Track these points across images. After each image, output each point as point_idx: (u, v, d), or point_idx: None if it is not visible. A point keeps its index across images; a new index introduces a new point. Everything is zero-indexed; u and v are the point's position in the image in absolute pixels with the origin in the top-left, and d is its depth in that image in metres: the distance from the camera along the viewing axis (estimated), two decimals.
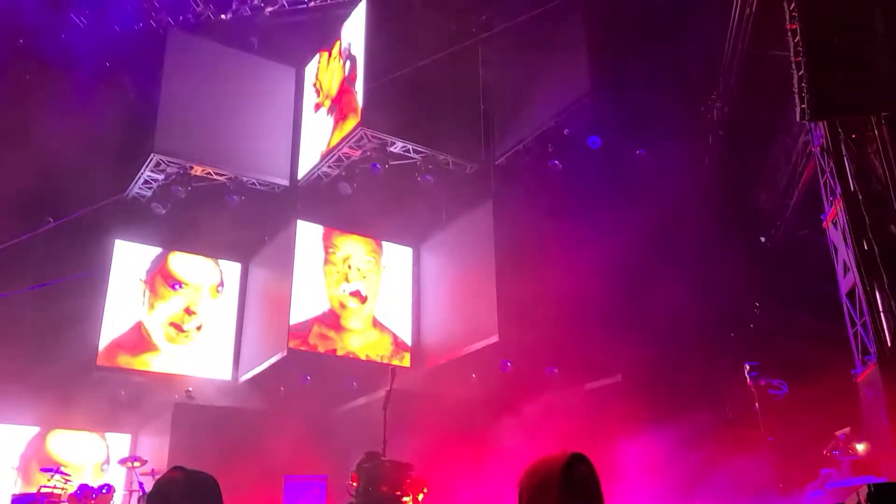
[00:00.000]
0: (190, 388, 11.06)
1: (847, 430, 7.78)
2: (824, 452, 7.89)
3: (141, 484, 9.16)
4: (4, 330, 10.67)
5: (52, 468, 8.91)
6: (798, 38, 7.21)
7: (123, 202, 13.29)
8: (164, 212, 13.10)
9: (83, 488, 8.76)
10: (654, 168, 11.69)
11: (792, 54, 7.44)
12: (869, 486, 3.29)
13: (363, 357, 13.13)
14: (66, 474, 8.88)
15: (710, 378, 9.47)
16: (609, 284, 10.97)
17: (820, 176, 9.02)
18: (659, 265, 10.27)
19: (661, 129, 12.17)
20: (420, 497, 4.72)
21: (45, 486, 8.69)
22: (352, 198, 13.16)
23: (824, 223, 8.87)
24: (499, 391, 12.25)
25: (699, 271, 10.56)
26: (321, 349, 12.73)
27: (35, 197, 11.70)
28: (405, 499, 4.64)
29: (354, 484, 4.62)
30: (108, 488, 8.88)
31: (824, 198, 8.92)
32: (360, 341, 13.24)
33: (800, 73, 7.31)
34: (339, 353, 12.94)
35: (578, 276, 11.06)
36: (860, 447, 7.62)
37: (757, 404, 7.77)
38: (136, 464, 9.44)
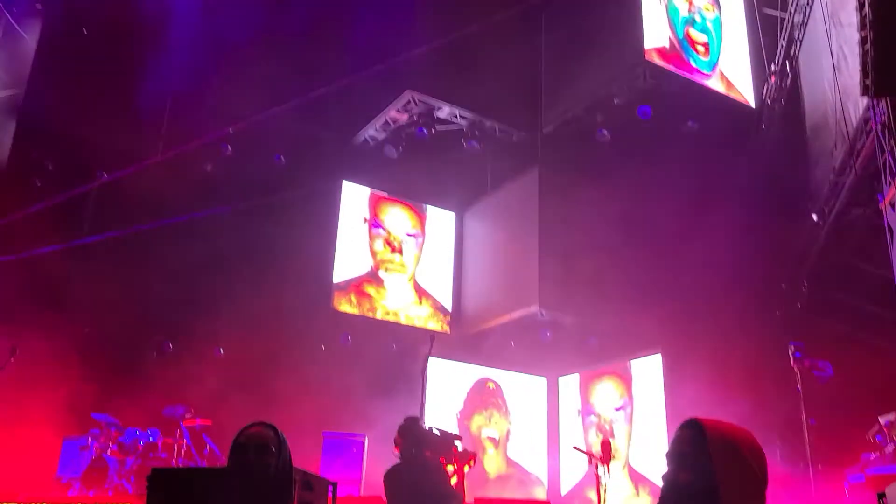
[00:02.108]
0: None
1: (892, 416, 7.65)
2: (867, 437, 7.78)
3: (185, 432, 9.43)
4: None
5: (103, 414, 9.22)
6: (866, 10, 6.91)
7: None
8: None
9: (131, 434, 9.09)
10: (704, 141, 11.47)
11: (858, 27, 7.16)
12: None
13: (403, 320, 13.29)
14: (115, 420, 9.19)
15: (754, 356, 9.35)
16: (653, 258, 10.88)
17: (879, 155, 8.72)
18: (706, 240, 10.11)
19: (711, 101, 11.93)
20: (466, 469, 4.76)
21: (94, 431, 9.03)
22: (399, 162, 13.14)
23: (881, 203, 8.60)
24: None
25: (748, 246, 10.37)
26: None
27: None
28: (449, 467, 4.69)
29: (398, 448, 4.70)
30: (156, 435, 9.20)
31: (883, 177, 8.64)
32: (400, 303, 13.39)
33: (866, 47, 7.04)
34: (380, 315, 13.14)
35: (622, 248, 10.99)
36: None
37: (800, 385, 7.67)
38: (194, 421, 9.66)
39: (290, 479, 2.63)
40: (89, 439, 8.93)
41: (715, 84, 12.24)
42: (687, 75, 11.90)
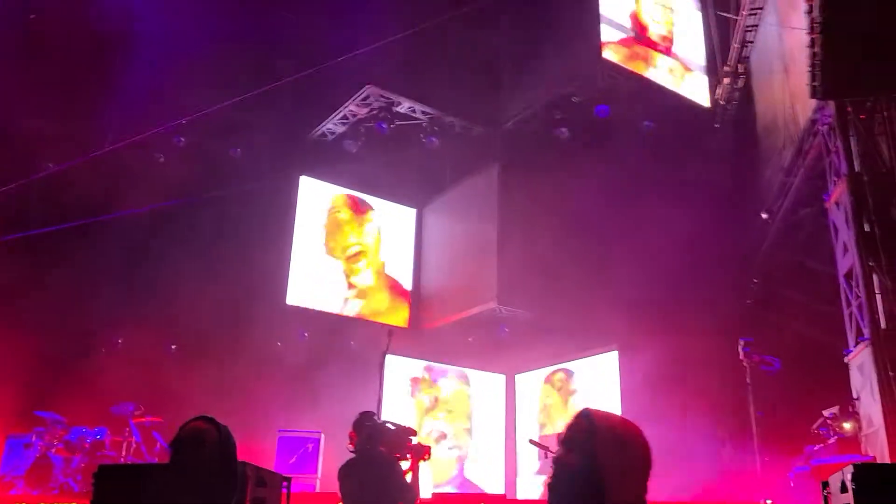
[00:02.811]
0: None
1: (836, 409, 7.88)
2: (812, 429, 8.01)
3: (134, 429, 9.24)
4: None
5: (48, 412, 8.99)
6: (815, 14, 7.10)
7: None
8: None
9: (77, 432, 8.87)
10: (660, 140, 11.67)
11: (807, 30, 7.35)
12: (854, 465, 3.33)
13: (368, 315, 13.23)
14: (61, 418, 8.97)
15: (706, 351, 9.55)
16: (610, 255, 11.01)
17: (825, 155, 8.97)
18: (659, 238, 10.28)
19: (666, 100, 12.14)
20: (420, 463, 4.74)
21: (39, 429, 8.79)
22: (358, 156, 13.05)
23: (826, 203, 8.85)
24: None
25: (699, 244, 10.57)
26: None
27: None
28: (403, 462, 4.67)
29: (352, 442, 4.65)
30: (104, 433, 8.99)
31: (828, 177, 8.89)
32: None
33: (814, 50, 7.23)
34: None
35: (580, 245, 11.10)
36: (847, 426, 7.74)
37: (749, 379, 7.85)
38: (144, 419, 9.46)
39: (232, 473, 2.58)
40: (33, 437, 8.69)
41: (670, 83, 12.45)
42: (643, 75, 12.09)
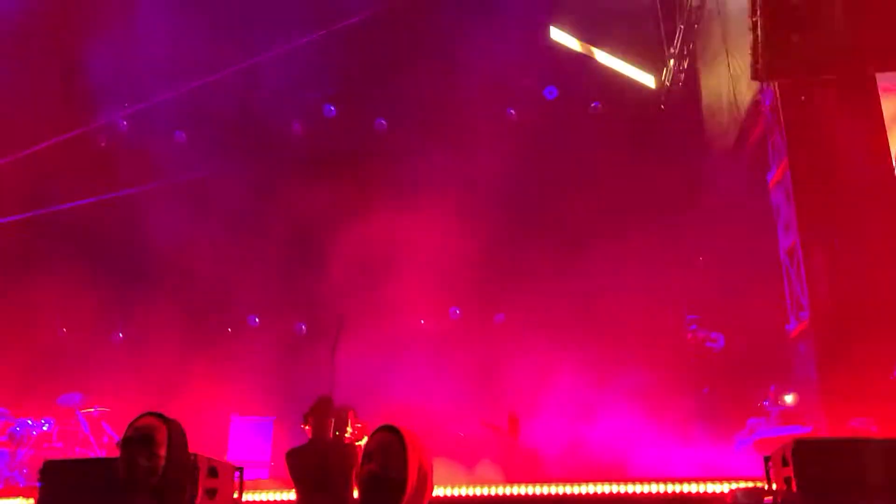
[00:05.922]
0: None
1: (778, 383, 8.15)
2: (758, 404, 8.26)
3: (82, 420, 9.04)
4: None
5: None
6: None
7: None
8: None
9: (22, 424, 8.64)
10: (607, 121, 11.78)
11: (749, 13, 7.50)
12: (794, 441, 3.47)
13: None
14: (5, 410, 8.73)
15: (651, 331, 9.74)
16: (552, 238, 11.11)
17: (768, 136, 9.21)
18: (605, 218, 10.41)
19: (613, 82, 12.25)
20: (363, 442, 4.80)
21: None
22: None
23: (769, 182, 9.09)
24: None
25: (645, 225, 10.74)
26: None
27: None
28: (358, 443, 4.72)
29: (308, 428, 4.64)
30: (50, 424, 8.78)
31: (770, 157, 9.13)
32: None
33: (755, 33, 7.39)
34: None
35: (534, 235, 11.16)
36: (788, 398, 8.02)
37: (695, 356, 8.06)
38: (91, 409, 9.24)
39: (184, 468, 2.54)
40: None
41: (616, 65, 12.54)
42: (590, 56, 12.17)
